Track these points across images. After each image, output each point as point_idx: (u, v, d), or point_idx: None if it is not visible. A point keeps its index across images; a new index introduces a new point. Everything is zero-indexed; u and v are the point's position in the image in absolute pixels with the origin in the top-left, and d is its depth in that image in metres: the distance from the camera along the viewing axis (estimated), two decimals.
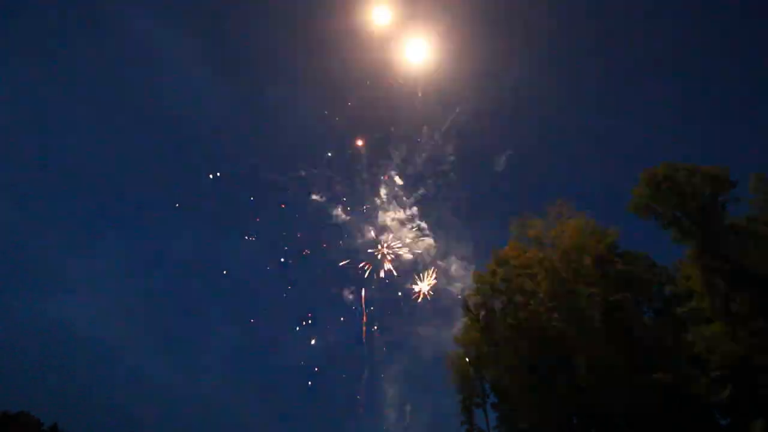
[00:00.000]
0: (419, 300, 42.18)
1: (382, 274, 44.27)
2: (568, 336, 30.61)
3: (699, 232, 30.21)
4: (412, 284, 42.88)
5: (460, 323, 36.80)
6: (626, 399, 28.36)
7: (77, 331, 68.23)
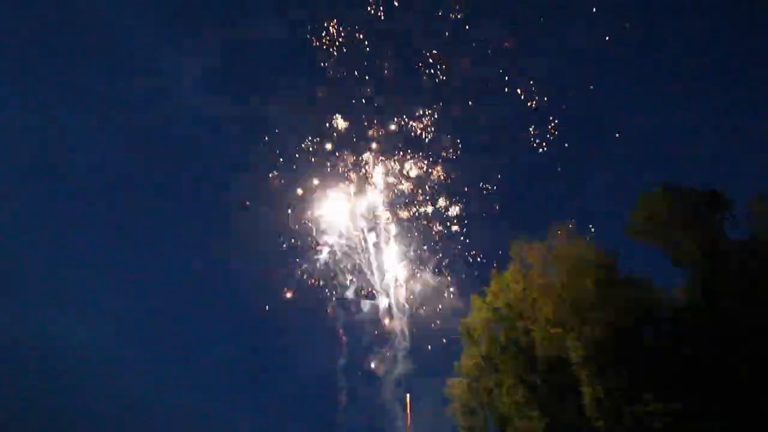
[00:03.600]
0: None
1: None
2: (572, 363, 29.95)
3: (699, 254, 30.07)
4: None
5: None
6: (632, 428, 27.56)
7: (72, 346, 66.48)
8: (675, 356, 28.71)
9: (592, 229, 34.40)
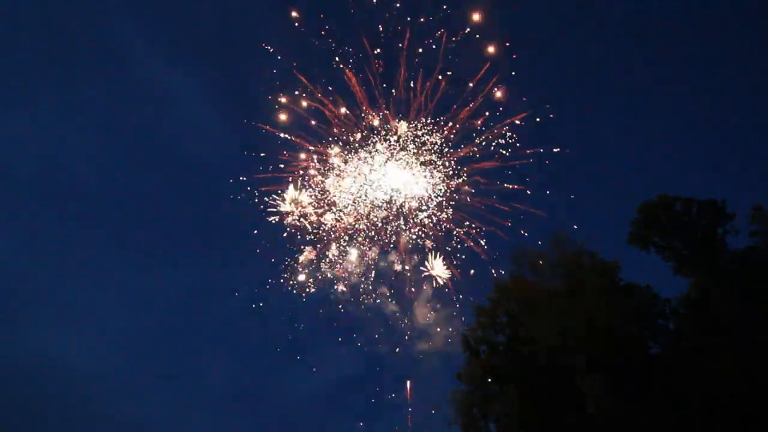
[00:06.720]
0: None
1: None
2: (574, 372, 29.87)
3: (700, 264, 30.18)
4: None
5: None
6: None
7: (69, 365, 66.11)
8: (677, 365, 28.68)
9: (594, 238, 34.62)
